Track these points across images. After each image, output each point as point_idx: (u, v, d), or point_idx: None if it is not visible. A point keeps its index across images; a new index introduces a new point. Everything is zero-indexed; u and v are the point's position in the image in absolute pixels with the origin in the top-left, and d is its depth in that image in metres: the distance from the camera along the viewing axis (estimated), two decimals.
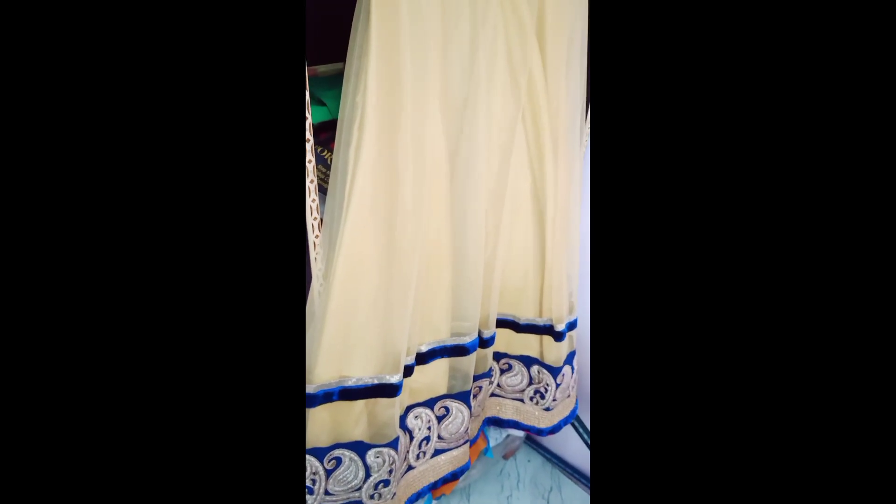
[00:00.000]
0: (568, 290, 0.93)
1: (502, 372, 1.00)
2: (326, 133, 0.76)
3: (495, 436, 1.38)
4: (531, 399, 1.00)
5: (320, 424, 0.72)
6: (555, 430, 1.03)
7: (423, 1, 0.64)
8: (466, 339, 0.83)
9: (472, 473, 1.35)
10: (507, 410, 1.03)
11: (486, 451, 1.34)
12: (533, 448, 1.52)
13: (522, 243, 0.88)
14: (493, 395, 1.02)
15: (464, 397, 0.87)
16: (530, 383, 0.99)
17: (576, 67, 0.80)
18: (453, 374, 0.86)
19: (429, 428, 0.86)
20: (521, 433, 1.37)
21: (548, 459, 1.49)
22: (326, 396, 0.70)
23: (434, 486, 0.89)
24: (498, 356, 0.98)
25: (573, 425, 1.34)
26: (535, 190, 0.85)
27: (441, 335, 0.82)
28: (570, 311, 0.96)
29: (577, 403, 1.09)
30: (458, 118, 0.73)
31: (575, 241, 0.92)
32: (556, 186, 0.83)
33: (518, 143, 0.80)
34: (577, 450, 1.42)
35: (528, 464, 1.48)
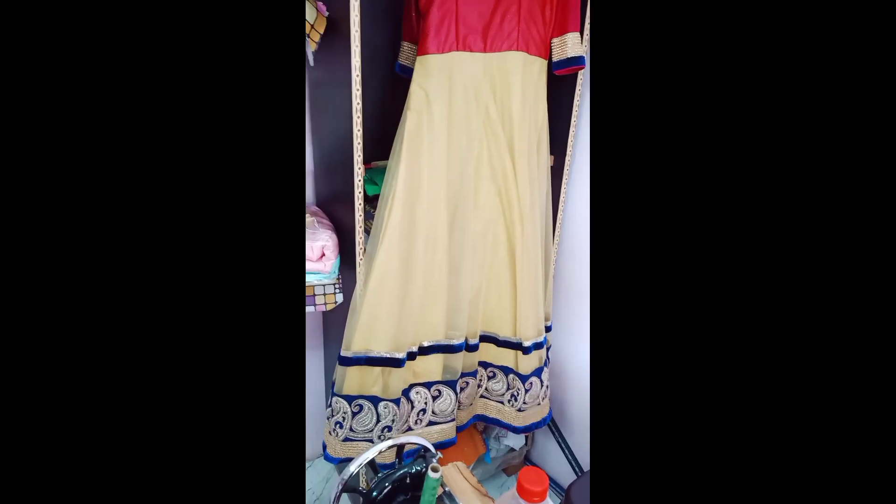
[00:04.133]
0: (535, 317, 1.29)
1: (489, 378, 1.36)
2: (377, 201, 1.23)
3: (496, 446, 1.69)
4: (508, 402, 1.35)
5: (350, 379, 1.14)
6: (527, 430, 1.35)
7: (436, 131, 1.12)
8: (455, 342, 1.22)
9: (477, 474, 1.66)
10: (492, 411, 1.38)
11: (486, 456, 1.65)
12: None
13: (499, 281, 1.27)
14: (482, 396, 1.37)
15: (452, 385, 1.25)
16: (507, 388, 1.34)
17: (534, 164, 1.22)
18: (446, 367, 1.25)
19: (426, 403, 1.24)
20: (518, 446, 1.68)
21: None
22: (357, 360, 1.12)
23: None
24: (486, 365, 1.35)
25: (563, 451, 1.62)
26: (509, 244, 1.25)
27: (438, 337, 1.22)
28: (538, 333, 1.31)
29: (549, 413, 1.40)
30: (456, 197, 1.17)
31: (540, 282, 1.29)
32: (524, 243, 1.23)
33: (495, 212, 1.22)
34: (567, 472, 1.68)
35: None
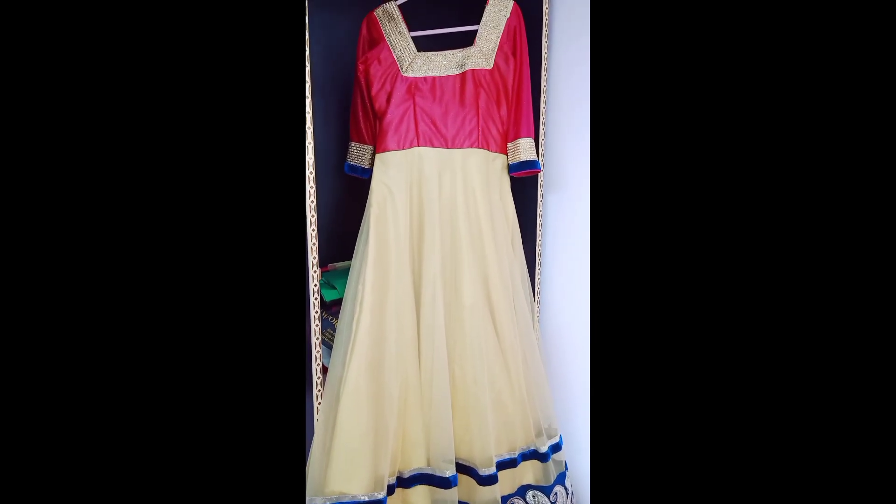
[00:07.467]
0: (541, 419, 1.12)
1: None
2: (336, 307, 1.08)
3: None
4: None
5: None
6: None
7: (401, 225, 1.02)
8: (445, 473, 1.01)
9: None
10: None
11: None
12: None
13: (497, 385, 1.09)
14: None
15: None
16: None
17: (514, 261, 1.14)
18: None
19: None
20: None
21: None
22: None
23: None
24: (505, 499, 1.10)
25: None
26: (501, 345, 1.11)
27: (420, 463, 1.01)
28: (551, 435, 1.13)
29: None
30: (430, 299, 1.04)
31: (541, 379, 1.13)
32: (515, 347, 1.10)
33: (481, 304, 1.09)
34: None
35: None
